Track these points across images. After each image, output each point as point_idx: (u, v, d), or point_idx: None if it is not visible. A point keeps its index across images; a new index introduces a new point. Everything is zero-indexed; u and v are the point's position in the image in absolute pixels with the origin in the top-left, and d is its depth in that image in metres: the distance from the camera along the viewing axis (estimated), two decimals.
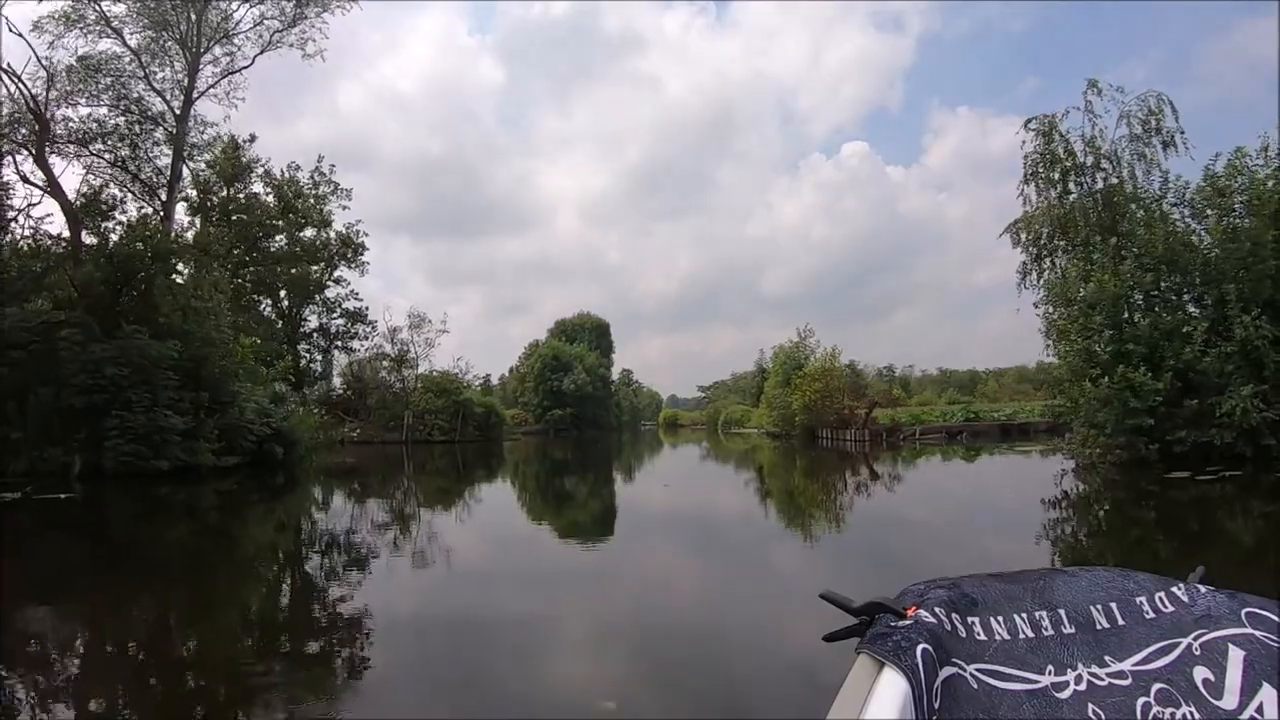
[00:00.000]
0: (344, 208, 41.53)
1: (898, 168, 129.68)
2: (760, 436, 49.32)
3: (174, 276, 16.33)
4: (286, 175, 39.97)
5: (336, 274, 40.73)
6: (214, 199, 24.56)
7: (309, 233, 40.88)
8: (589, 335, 71.86)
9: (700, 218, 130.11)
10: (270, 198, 24.32)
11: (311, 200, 40.60)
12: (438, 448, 35.37)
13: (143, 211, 18.56)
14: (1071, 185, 16.39)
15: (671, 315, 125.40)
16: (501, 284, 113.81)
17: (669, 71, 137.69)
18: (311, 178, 41.23)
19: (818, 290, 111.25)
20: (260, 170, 24.81)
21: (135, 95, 19.52)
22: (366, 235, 41.76)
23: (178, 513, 13.35)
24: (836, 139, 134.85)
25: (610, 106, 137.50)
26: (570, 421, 60.93)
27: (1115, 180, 16.62)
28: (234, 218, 24.10)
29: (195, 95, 20.23)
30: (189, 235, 24.32)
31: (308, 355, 41.22)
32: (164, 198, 19.47)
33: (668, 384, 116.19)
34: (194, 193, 24.62)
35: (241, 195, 24.32)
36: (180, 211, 24.55)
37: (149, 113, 19.85)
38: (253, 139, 25.62)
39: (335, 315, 41.52)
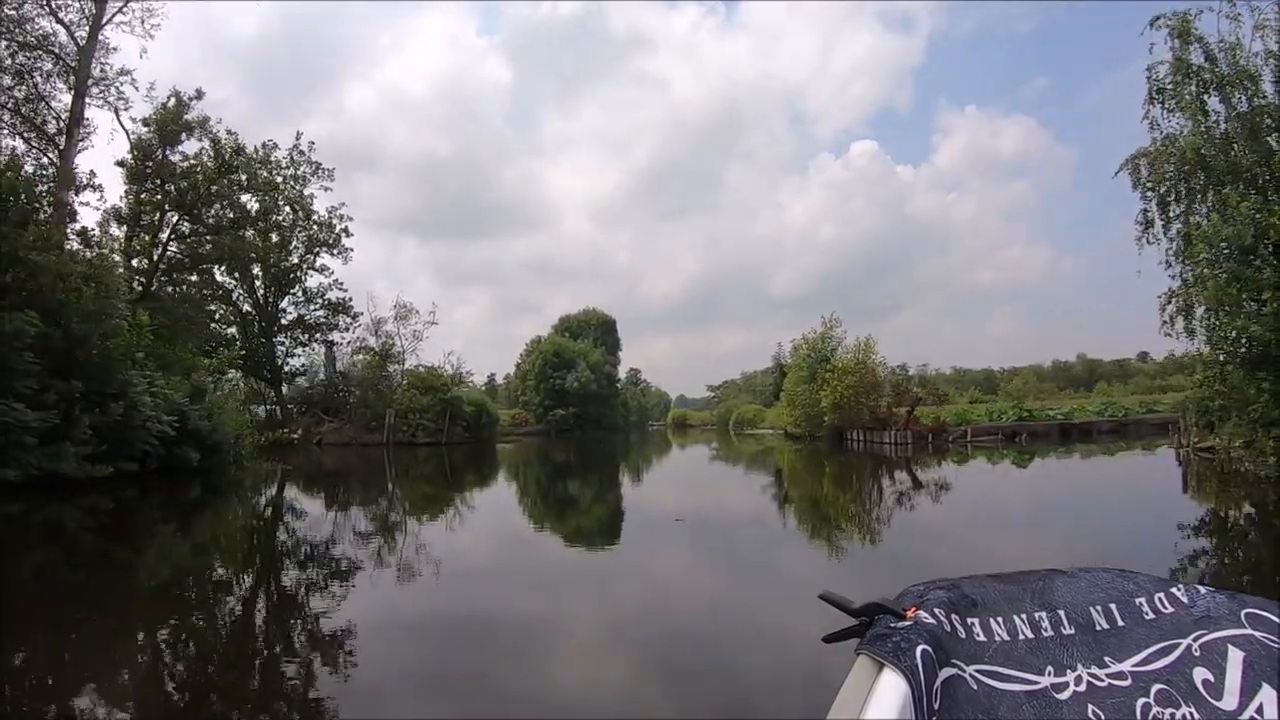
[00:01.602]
0: (325, 189, 38.26)
1: (907, 167, 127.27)
2: (776, 437, 45.52)
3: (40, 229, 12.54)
4: (261, 153, 37.12)
5: (320, 262, 37.59)
6: (150, 164, 20.85)
7: (285, 215, 37.82)
8: (594, 332, 67.83)
9: (707, 218, 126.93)
10: (210, 160, 20.54)
11: (290, 179, 37.70)
12: (422, 450, 31.67)
13: (16, 152, 14.85)
14: (1216, 104, 12.37)
15: (678, 315, 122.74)
16: (509, 284, 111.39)
17: (677, 71, 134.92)
18: (290, 156, 38.06)
19: (824, 290, 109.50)
20: (200, 129, 20.89)
21: (30, 18, 15.89)
22: (350, 220, 38.48)
23: (11, 542, 9.65)
24: (845, 139, 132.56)
25: (618, 106, 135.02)
26: (573, 422, 57.00)
27: (1260, 101, 12.65)
28: (166, 186, 20.31)
29: (104, 22, 16.66)
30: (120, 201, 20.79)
31: (284, 348, 37.89)
32: (62, 145, 15.83)
33: (675, 384, 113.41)
34: (129, 156, 21.03)
35: (178, 157, 20.51)
36: (120, 178, 21.05)
37: (48, 44, 16.21)
38: (199, 95, 21.94)
39: (317, 307, 38.25)
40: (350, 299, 38.06)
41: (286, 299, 38.30)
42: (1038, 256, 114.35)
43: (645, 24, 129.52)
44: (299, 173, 38.17)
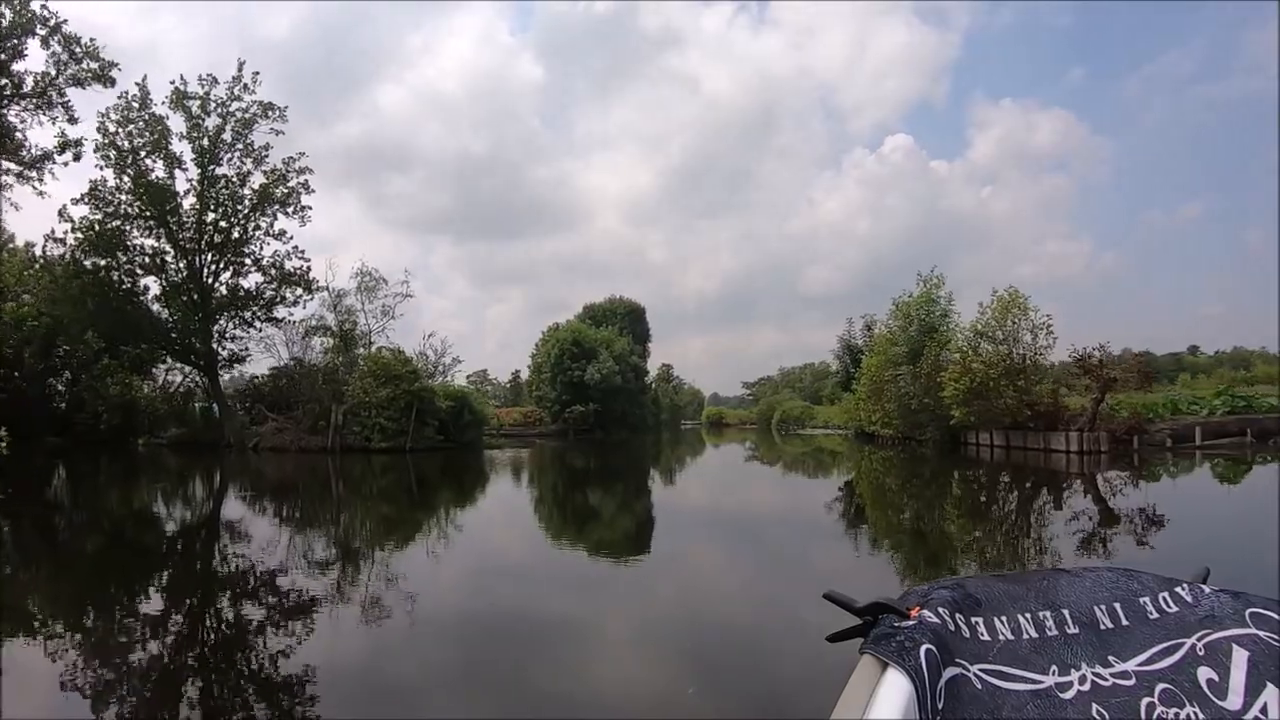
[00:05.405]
0: (276, 133, 30.58)
1: (942, 161, 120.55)
2: (838, 439, 36.37)
3: None
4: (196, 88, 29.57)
5: (278, 226, 29.97)
6: None
7: (224, 169, 30.18)
8: (620, 320, 58.81)
9: (741, 215, 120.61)
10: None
11: (233, 118, 30.13)
12: (379, 458, 23.35)
13: None
14: None
15: (712, 314, 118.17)
16: (543, 283, 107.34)
17: (710, 69, 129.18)
18: (230, 90, 30.38)
19: (859, 287, 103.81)
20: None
21: None
22: (310, 173, 30.80)
23: None
24: (879, 133, 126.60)
25: (650, 105, 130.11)
26: (594, 420, 48.21)
27: None
28: None
29: None
30: None
31: (221, 327, 30.06)
32: None
33: (709, 382, 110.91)
34: None
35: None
36: None
37: None
38: None
39: (267, 279, 30.45)
40: (308, 267, 30.34)
41: (230, 269, 30.66)
42: (1076, 251, 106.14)
43: (678, 22, 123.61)
44: (247, 114, 30.74)
